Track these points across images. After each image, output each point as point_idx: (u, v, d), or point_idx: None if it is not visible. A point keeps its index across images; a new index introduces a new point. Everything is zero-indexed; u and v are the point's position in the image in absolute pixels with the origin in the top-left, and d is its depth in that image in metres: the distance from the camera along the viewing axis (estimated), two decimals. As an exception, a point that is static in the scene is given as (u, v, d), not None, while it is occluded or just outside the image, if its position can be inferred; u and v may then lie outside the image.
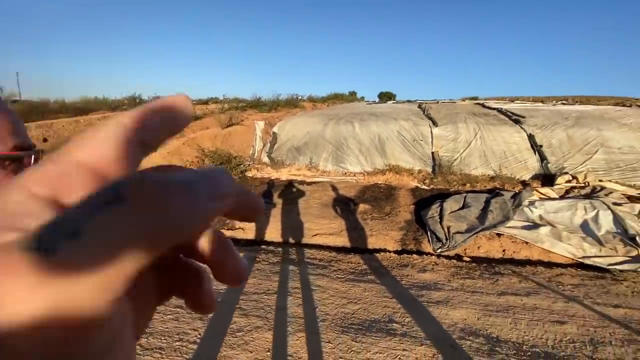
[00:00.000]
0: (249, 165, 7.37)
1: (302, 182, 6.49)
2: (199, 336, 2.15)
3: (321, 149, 7.45)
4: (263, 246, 3.88)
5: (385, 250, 3.80)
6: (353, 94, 30.27)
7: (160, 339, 2.09)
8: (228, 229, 4.56)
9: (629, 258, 3.31)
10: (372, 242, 4.01)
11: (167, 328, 2.20)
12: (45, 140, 9.94)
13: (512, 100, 16.10)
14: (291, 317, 2.38)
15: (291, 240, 4.25)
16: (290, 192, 5.92)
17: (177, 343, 2.07)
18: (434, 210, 4.26)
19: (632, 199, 4.46)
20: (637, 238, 3.44)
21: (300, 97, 15.30)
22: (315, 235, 4.23)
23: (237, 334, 2.17)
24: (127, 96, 14.60)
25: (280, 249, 3.74)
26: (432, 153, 6.77)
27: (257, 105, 11.73)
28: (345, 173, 6.89)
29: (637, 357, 2.00)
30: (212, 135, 7.83)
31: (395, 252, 3.76)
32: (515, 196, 4.31)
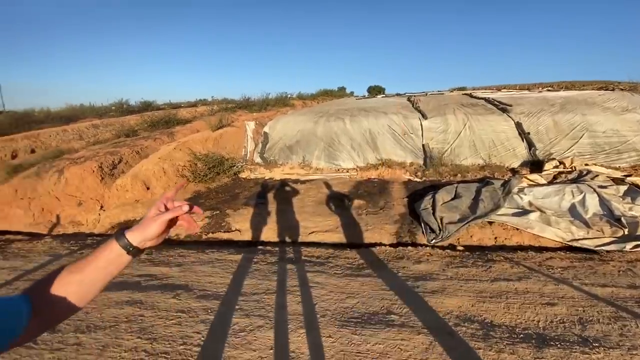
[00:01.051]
0: (241, 166, 7.37)
1: (296, 181, 6.53)
2: (202, 339, 2.19)
3: (313, 146, 7.48)
4: (260, 247, 3.92)
5: (381, 244, 3.88)
6: (342, 89, 30.27)
7: (164, 344, 2.13)
8: (225, 232, 4.59)
9: (615, 239, 3.43)
10: (368, 237, 4.08)
11: (171, 333, 2.24)
12: (33, 151, 9.77)
13: (498, 89, 16.32)
14: (292, 314, 2.43)
15: (288, 240, 4.29)
16: (285, 191, 5.95)
17: (181, 347, 2.11)
18: (427, 202, 4.35)
19: (616, 181, 4.60)
20: (622, 219, 3.56)
21: (289, 96, 15.29)
22: (312, 233, 4.28)
23: (240, 334, 2.22)
24: (114, 102, 14.40)
25: (277, 249, 3.79)
26: (423, 145, 6.86)
27: (246, 105, 11.70)
28: (339, 169, 6.94)
29: (624, 333, 2.10)
30: (203, 138, 7.81)
31: (391, 245, 3.84)
32: (505, 184, 4.41)
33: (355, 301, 2.57)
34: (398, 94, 16.09)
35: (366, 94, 30.22)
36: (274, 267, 3.25)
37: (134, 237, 0.63)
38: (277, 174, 7.10)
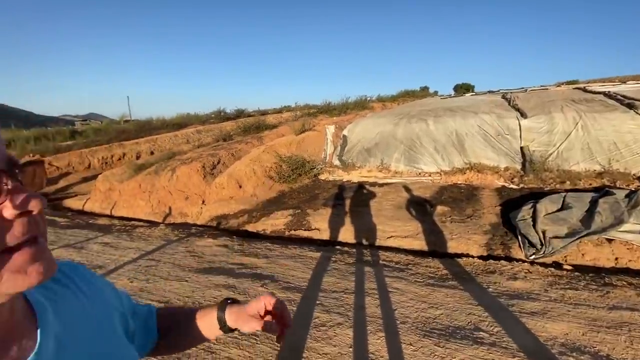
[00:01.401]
0: (321, 168, 7.64)
1: (373, 184, 6.48)
2: (286, 327, 2.35)
3: (392, 149, 7.32)
4: (338, 247, 4.00)
5: (467, 255, 3.58)
6: (425, 89, 28.85)
7: (254, 327, 2.36)
8: (305, 230, 4.82)
9: None
10: (453, 246, 3.81)
11: (259, 318, 2.46)
12: (152, 153, 11.79)
13: (622, 80, 13.40)
14: (370, 316, 2.43)
15: (365, 242, 4.29)
16: (362, 193, 5.96)
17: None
18: (526, 212, 3.85)
19: None
20: None
21: (369, 98, 15.22)
22: (390, 237, 4.20)
23: (321, 328, 2.31)
24: (214, 110, 16.41)
25: (354, 250, 3.82)
26: (521, 148, 6.09)
27: (327, 110, 12.07)
28: (420, 173, 6.65)
29: None
30: (287, 142, 8.34)
31: (480, 257, 3.52)
32: (630, 195, 3.63)
33: (439, 312, 2.43)
34: (490, 92, 14.61)
35: (452, 92, 28.24)
36: (351, 267, 3.29)
37: (230, 317, 0.65)
38: (355, 177, 7.16)
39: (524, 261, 3.33)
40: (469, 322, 2.32)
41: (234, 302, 0.67)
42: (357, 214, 4.98)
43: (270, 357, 2.07)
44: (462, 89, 29.85)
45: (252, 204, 6.07)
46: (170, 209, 6.45)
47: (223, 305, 0.66)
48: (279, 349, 2.13)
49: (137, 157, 11.30)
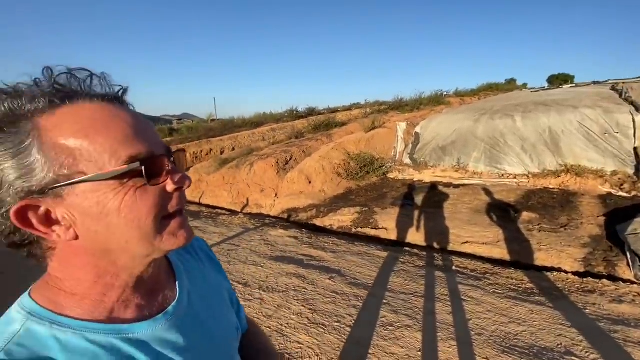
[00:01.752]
0: (390, 167, 7.48)
1: (448, 185, 6.11)
2: (353, 321, 2.40)
3: (471, 147, 6.78)
4: (406, 248, 3.90)
5: (559, 270, 3.16)
6: (512, 81, 25.92)
7: (322, 316, 2.46)
8: (372, 228, 4.80)
9: None
10: (541, 258, 3.40)
11: (327, 309, 2.56)
12: (233, 149, 12.94)
13: None
14: (441, 323, 2.33)
15: (436, 246, 4.09)
16: (435, 194, 5.67)
17: (335, 323, 2.38)
18: (638, 224, 3.23)
19: None
20: None
21: (445, 93, 14.29)
22: (465, 243, 3.92)
23: (388, 328, 2.30)
24: (287, 109, 17.24)
25: (424, 253, 3.67)
26: (635, 149, 5.09)
27: (398, 106, 11.70)
28: (503, 175, 6.04)
29: None
30: (356, 139, 8.36)
31: (576, 273, 3.07)
32: None
33: (522, 329, 2.21)
34: (596, 82, 12.46)
35: (545, 85, 24.83)
36: (421, 271, 3.18)
37: None
38: (427, 176, 6.83)
39: (632, 282, 2.81)
40: (558, 344, 2.06)
41: None
42: (428, 216, 4.76)
43: (337, 348, 2.14)
44: (559, 80, 26.00)
45: (320, 199, 6.26)
46: (247, 200, 7.04)
47: None
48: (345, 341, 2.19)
49: (221, 153, 12.53)
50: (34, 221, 0.36)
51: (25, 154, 0.35)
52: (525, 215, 4.24)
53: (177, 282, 0.51)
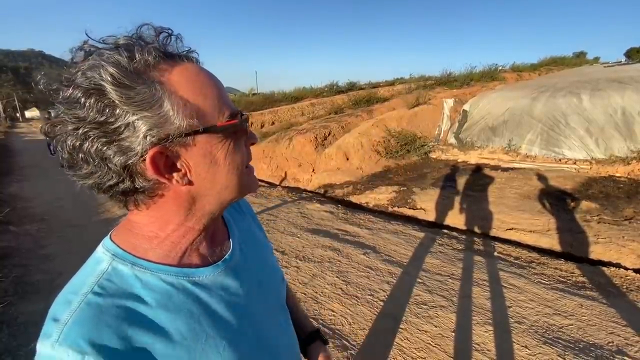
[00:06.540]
0: (433, 146, 7.15)
1: (495, 167, 5.73)
2: (386, 296, 2.41)
3: (526, 128, 6.24)
4: (445, 230, 3.77)
5: (618, 265, 2.89)
6: (581, 55, 23.05)
7: (356, 289, 2.50)
8: (409, 208, 4.69)
9: None
10: (598, 252, 3.12)
11: (361, 282, 2.59)
12: (273, 123, 13.12)
13: None
14: (478, 307, 2.26)
15: (477, 230, 3.91)
16: (480, 177, 5.36)
17: (368, 296, 2.41)
18: None
19: None
20: None
21: (500, 68, 13.09)
22: (510, 229, 3.70)
23: (422, 306, 2.28)
24: (327, 84, 16.93)
25: (464, 237, 3.53)
26: None
27: (446, 81, 10.96)
28: (560, 160, 5.52)
29: None
30: (398, 116, 8.04)
31: (638, 270, 2.79)
32: None
33: (568, 322, 2.08)
34: (688, 57, 10.64)
35: (622, 59, 21.76)
36: (459, 254, 3.07)
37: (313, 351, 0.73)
38: (473, 158, 6.45)
39: None
40: (609, 342, 1.91)
41: (320, 338, 0.75)
42: (471, 199, 4.53)
43: (369, 319, 2.17)
44: (641, 53, 22.61)
45: (357, 177, 6.20)
46: (285, 173, 7.18)
47: (315, 334, 0.75)
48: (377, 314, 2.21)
49: (261, 127, 12.78)
50: (161, 167, 0.40)
51: (159, 104, 0.38)
52: (584, 204, 3.88)
53: (229, 234, 0.56)
